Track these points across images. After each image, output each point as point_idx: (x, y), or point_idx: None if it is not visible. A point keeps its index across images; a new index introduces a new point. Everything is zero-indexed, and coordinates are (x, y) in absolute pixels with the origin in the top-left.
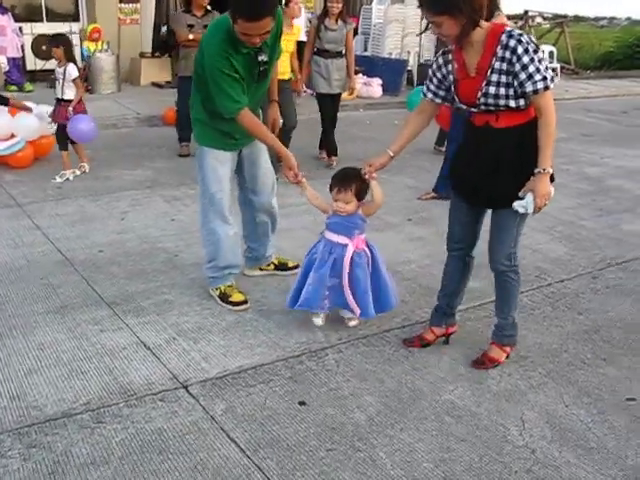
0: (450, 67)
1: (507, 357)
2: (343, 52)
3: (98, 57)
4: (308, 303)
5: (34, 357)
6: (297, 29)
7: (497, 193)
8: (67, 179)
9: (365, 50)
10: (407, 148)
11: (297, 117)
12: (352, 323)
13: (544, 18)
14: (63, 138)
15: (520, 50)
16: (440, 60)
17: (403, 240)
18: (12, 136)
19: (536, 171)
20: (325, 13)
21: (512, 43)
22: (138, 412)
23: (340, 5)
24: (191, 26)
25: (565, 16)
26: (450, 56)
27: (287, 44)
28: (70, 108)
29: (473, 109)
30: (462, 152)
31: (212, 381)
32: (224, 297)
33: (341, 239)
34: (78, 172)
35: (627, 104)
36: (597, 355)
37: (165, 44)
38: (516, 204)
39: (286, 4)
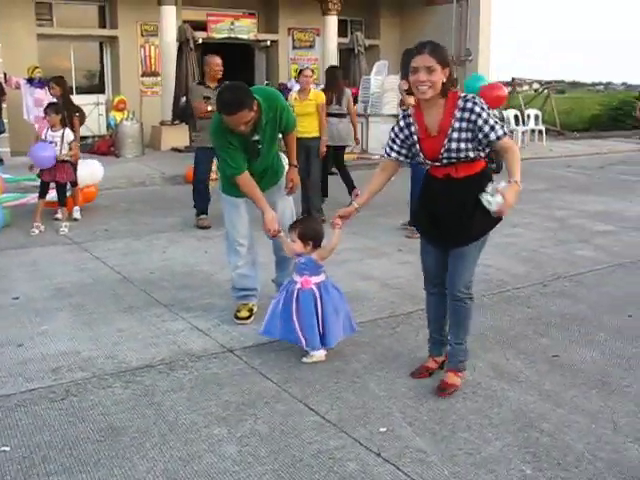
0: (413, 129)
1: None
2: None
3: (124, 125)
4: (265, 329)
5: (117, 336)
6: (314, 95)
7: (463, 234)
8: (40, 231)
9: None
10: (403, 197)
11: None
12: (304, 359)
13: (541, 84)
14: (63, 194)
15: (478, 109)
16: (402, 123)
17: (393, 263)
18: None
19: (511, 180)
20: None
21: (469, 105)
22: (199, 365)
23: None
24: (207, 98)
25: (550, 82)
26: (411, 119)
27: (306, 108)
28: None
29: (436, 163)
30: (426, 202)
31: (250, 348)
32: (235, 312)
33: (295, 277)
34: (41, 229)
35: (605, 161)
36: (536, 332)
37: (183, 113)
38: (484, 198)
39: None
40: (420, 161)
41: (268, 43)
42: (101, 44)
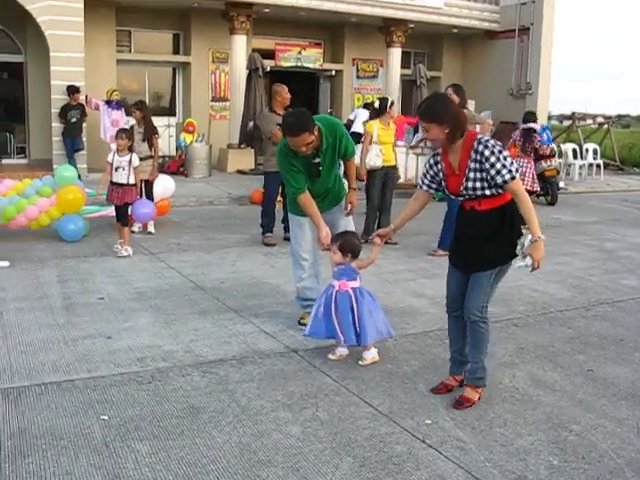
0: (440, 166)
1: (479, 398)
2: None
3: (194, 147)
4: (310, 331)
5: (193, 334)
6: (392, 126)
7: (479, 261)
8: (129, 255)
9: None
10: None
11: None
12: (360, 362)
13: (605, 118)
14: (125, 215)
15: (487, 153)
16: (432, 160)
17: (444, 284)
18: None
19: (533, 239)
20: None
21: (480, 148)
22: (267, 361)
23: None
24: (280, 125)
25: (610, 117)
26: (439, 157)
27: (390, 137)
28: (137, 190)
29: (460, 198)
30: (456, 230)
31: (312, 350)
32: (299, 318)
33: (334, 283)
34: (125, 253)
35: None
36: (574, 349)
37: (250, 138)
38: (517, 264)
39: (389, 107)
40: (448, 194)
41: (333, 72)
42: (174, 69)
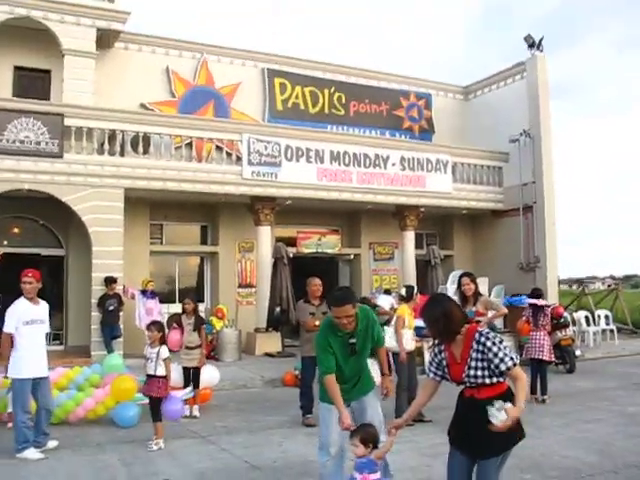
0: (443, 355)
1: None
2: None
3: (225, 332)
4: None
5: None
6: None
7: (485, 448)
8: (160, 448)
9: None
10: None
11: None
12: None
13: (614, 279)
14: (157, 409)
15: (489, 344)
16: (436, 350)
17: None
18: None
19: (516, 404)
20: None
21: (482, 340)
22: None
23: None
24: (312, 314)
25: (619, 279)
26: (442, 347)
27: (412, 322)
28: (168, 383)
29: (461, 385)
30: (456, 416)
31: None
32: None
33: (355, 475)
34: (155, 447)
35: None
36: None
37: (277, 322)
38: (490, 410)
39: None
40: (448, 380)
41: (351, 256)
42: (202, 258)
